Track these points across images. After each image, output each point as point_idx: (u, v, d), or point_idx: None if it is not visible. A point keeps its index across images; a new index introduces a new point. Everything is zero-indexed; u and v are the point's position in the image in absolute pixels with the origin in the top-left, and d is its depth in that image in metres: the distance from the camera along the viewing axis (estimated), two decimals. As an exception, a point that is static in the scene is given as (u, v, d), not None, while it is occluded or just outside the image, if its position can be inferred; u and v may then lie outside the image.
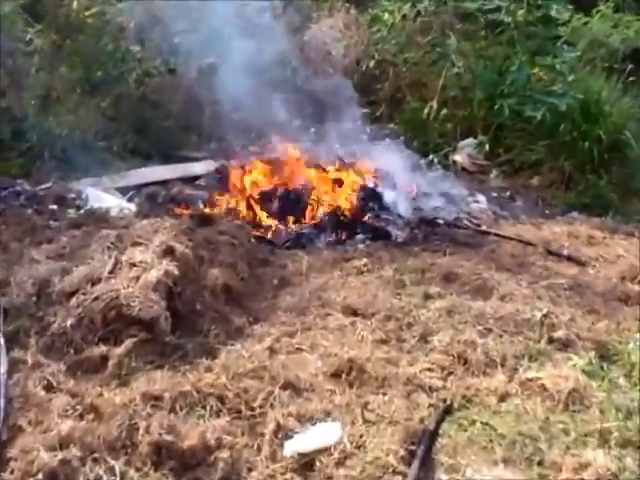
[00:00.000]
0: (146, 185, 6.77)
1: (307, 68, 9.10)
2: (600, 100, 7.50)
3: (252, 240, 5.08)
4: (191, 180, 7.12)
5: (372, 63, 9.15)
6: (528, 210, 7.12)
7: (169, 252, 3.96)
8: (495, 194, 7.47)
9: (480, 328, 3.98)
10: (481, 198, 6.79)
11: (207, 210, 5.61)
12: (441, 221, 5.86)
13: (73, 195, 6.02)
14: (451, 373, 3.70)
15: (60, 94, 6.85)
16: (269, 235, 5.57)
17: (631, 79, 8.05)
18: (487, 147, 7.91)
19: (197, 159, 7.56)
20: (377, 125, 8.93)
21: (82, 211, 5.66)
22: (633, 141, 7.13)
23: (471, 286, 4.46)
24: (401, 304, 4.26)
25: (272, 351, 3.85)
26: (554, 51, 8.75)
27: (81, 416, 3.19)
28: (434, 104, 8.26)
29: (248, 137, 8.32)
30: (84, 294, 3.69)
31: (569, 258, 4.99)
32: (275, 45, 9.07)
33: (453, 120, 8.38)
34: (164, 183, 6.89)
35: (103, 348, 3.57)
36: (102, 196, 6.17)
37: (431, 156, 7.83)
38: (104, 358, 3.53)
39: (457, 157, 7.98)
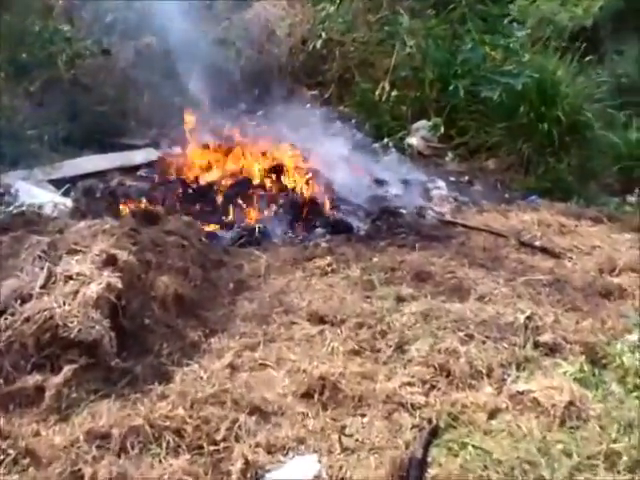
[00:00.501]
0: (82, 177, 6.17)
1: (251, 48, 8.57)
2: (556, 80, 7.20)
3: (203, 239, 4.57)
4: (132, 170, 6.56)
5: (319, 43, 8.66)
6: (488, 195, 6.81)
7: (111, 261, 3.43)
8: (453, 178, 7.13)
9: (461, 334, 3.61)
10: (441, 184, 6.43)
11: (151, 206, 5.05)
12: (404, 211, 5.47)
13: (1, 190, 5.39)
14: (433, 387, 3.31)
15: (-18, 78, 6.17)
16: (220, 231, 5.07)
17: (586, 59, 7.79)
18: (442, 129, 7.56)
19: (137, 147, 6.96)
20: (326, 107, 8.47)
21: (11, 208, 5.06)
22: (593, 122, 6.86)
23: (446, 286, 4.08)
24: (372, 309, 3.85)
25: (233, 369, 3.39)
26: (505, 30, 8.47)
27: (14, 462, 2.68)
28: (386, 85, 7.85)
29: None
30: (12, 314, 3.15)
31: (543, 249, 4.67)
32: (217, 23, 8.53)
33: (405, 102, 7.99)
34: (102, 174, 6.31)
35: (38, 377, 3.03)
36: (34, 191, 5.56)
37: (386, 140, 7.43)
38: (40, 389, 3.00)
39: (412, 140, 7.60)
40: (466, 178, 7.12)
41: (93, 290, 3.20)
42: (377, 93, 7.70)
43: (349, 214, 5.41)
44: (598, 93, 7.34)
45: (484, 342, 3.58)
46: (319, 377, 3.27)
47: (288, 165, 5.77)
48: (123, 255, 3.52)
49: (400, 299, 3.93)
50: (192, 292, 3.87)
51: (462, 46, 8.02)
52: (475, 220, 5.24)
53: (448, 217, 5.34)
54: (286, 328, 3.75)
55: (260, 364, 3.46)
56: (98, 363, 3.14)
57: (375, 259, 4.52)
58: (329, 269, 4.28)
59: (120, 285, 3.31)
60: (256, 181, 5.57)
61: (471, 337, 3.60)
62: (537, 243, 4.78)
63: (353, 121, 8.10)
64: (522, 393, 3.24)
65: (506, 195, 6.91)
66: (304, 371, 3.36)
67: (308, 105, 8.43)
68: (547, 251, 4.66)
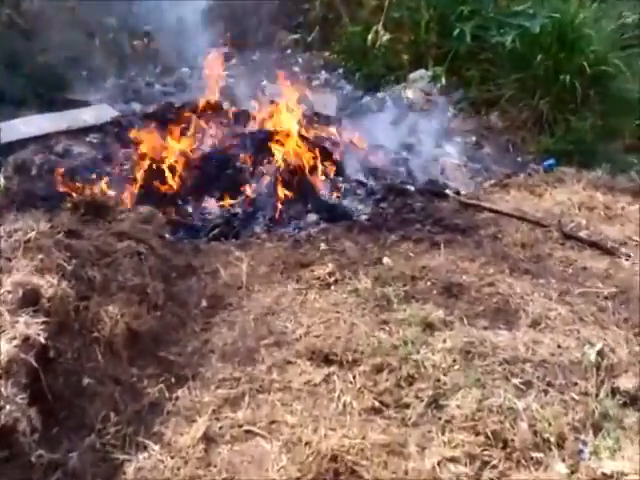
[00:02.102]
0: (20, 143, 5.00)
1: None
2: (578, 23, 6.08)
3: (166, 235, 3.50)
4: (82, 132, 5.37)
5: (299, -24, 7.41)
6: (498, 159, 5.77)
7: (31, 300, 2.36)
8: (458, 139, 6.06)
9: (516, 381, 2.64)
10: (450, 149, 5.37)
11: (99, 191, 3.93)
12: (412, 188, 4.42)
13: None
14: (486, 464, 2.37)
15: None
16: (187, 220, 4.00)
17: (609, -2, 6.66)
18: (443, 80, 6.44)
19: (88, 103, 5.75)
20: (309, 54, 7.28)
21: None
22: (621, 72, 5.80)
23: (486, 305, 3.08)
24: (392, 340, 2.85)
25: (208, 441, 2.41)
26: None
27: None
28: (379, 28, 6.66)
29: (153, 72, 6.58)
30: None
31: (592, 244, 3.68)
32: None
33: (401, 48, 6.82)
34: (44, 138, 5.14)
35: None
36: (-46, 165, 4.42)
37: (381, 94, 6.30)
38: None
39: (408, 93, 6.48)
40: (473, 139, 6.05)
41: (2, 350, 2.15)
42: (369, 38, 6.49)
43: (347, 194, 4.34)
44: (625, 39, 6.24)
45: (546, 392, 2.62)
46: (330, 457, 2.31)
47: (273, 130, 4.65)
48: (49, 288, 2.44)
49: (428, 325, 2.93)
50: (151, 322, 2.83)
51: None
52: (503, 202, 4.19)
53: (469, 198, 4.29)
54: (279, 371, 2.74)
55: (246, 431, 2.47)
56: (14, 457, 2.11)
57: (387, 260, 3.49)
58: (331, 279, 3.25)
59: (43, 338, 2.25)
60: (232, 151, 4.44)
61: (529, 385, 2.63)
62: (584, 235, 3.79)
63: (340, 70, 6.96)
64: (610, 477, 2.31)
65: (518, 159, 5.88)
66: (307, 444, 2.40)
67: (288, 51, 7.26)
68: (597, 246, 3.67)
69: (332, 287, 3.23)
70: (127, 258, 3.02)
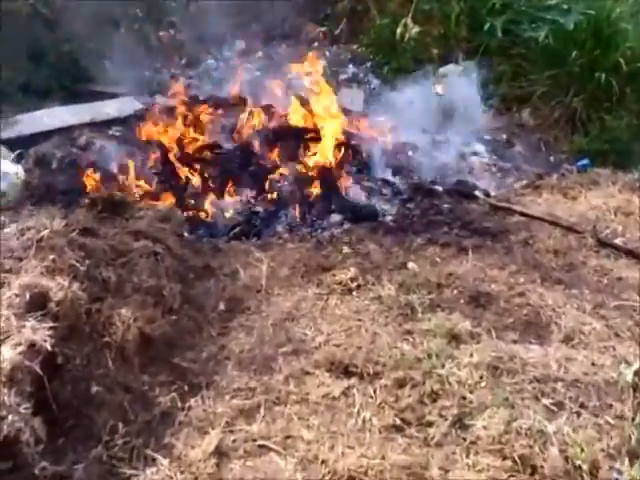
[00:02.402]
0: (44, 134, 4.93)
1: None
2: (615, 18, 5.84)
3: (185, 234, 3.38)
4: (105, 125, 5.29)
5: (327, -32, 7.23)
6: (530, 158, 5.58)
7: (39, 303, 2.26)
8: (488, 137, 5.87)
9: (546, 402, 2.48)
10: (479, 147, 5.19)
11: (118, 188, 3.82)
12: (440, 188, 4.25)
13: None
14: (513, 491, 2.22)
15: None
16: (207, 218, 3.88)
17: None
18: (474, 76, 6.22)
19: (112, 95, 5.66)
20: (336, 47, 7.11)
21: None
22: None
23: (516, 316, 2.91)
24: (416, 352, 2.70)
25: (220, 456, 2.28)
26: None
27: None
28: (409, 21, 6.45)
29: (178, 64, 6.46)
30: None
31: (629, 252, 3.48)
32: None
33: (430, 41, 6.62)
34: (67, 130, 5.06)
35: None
36: (-24, 157, 4.35)
37: (409, 88, 6.10)
38: None
39: (438, 88, 6.28)
40: (504, 137, 5.86)
41: (5, 357, 2.04)
42: (398, 31, 6.30)
43: (372, 192, 4.19)
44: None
45: (579, 414, 2.45)
46: (347, 477, 2.18)
47: (294, 125, 4.50)
48: (59, 290, 2.33)
49: (454, 337, 2.77)
50: (165, 326, 2.71)
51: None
52: (535, 205, 4.01)
53: (499, 200, 4.11)
54: (296, 382, 2.61)
55: (260, 446, 2.35)
56: (17, 469, 2.01)
57: (412, 265, 3.34)
58: (353, 285, 3.10)
59: (50, 345, 2.14)
60: (255, 147, 4.31)
61: (561, 406, 2.47)
62: (620, 242, 3.59)
63: (368, 64, 6.78)
64: (647, 511, 2.15)
65: (551, 158, 5.68)
66: (324, 462, 2.27)
67: (315, 44, 7.09)
68: (634, 254, 3.47)
69: (354, 293, 3.08)
70: (143, 258, 2.91)
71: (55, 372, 2.21)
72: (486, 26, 6.08)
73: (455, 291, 3.08)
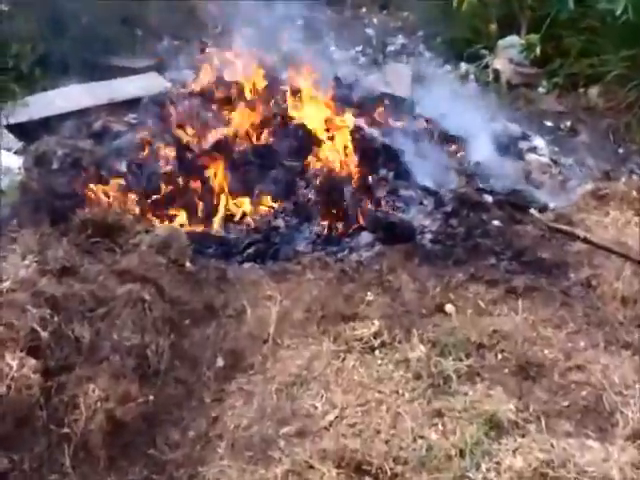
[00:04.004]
0: (58, 117, 4.46)
1: None
2: None
3: (187, 264, 2.86)
4: (126, 105, 4.78)
5: None
6: (597, 150, 4.86)
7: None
8: (550, 123, 5.14)
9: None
10: (539, 142, 4.48)
11: (118, 201, 3.31)
12: (490, 199, 3.63)
13: None
14: None
15: None
16: (220, 230, 3.37)
17: None
18: (538, 50, 5.45)
19: (135, 71, 5.13)
20: (385, 13, 6.38)
21: None
22: None
23: (572, 399, 2.33)
24: (446, 445, 2.16)
25: None
26: None
27: None
28: (467, -13, 5.67)
29: (211, 34, 5.85)
30: None
31: None
32: None
33: (489, 10, 5.83)
34: (83, 113, 4.57)
35: None
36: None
37: (463, 65, 5.40)
38: None
39: (498, 64, 5.54)
40: (568, 124, 5.12)
41: None
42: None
43: (410, 203, 3.59)
44: None
45: None
46: None
47: (323, 121, 3.90)
48: (5, 376, 1.86)
49: (494, 425, 2.22)
50: (143, 405, 2.22)
51: None
52: (601, 228, 3.34)
53: (558, 217, 3.45)
54: (297, 478, 2.12)
55: None
56: None
57: (450, 309, 2.77)
58: (376, 342, 2.56)
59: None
60: (278, 146, 3.73)
61: None
62: None
63: (419, 34, 6.05)
64: None
65: (620, 150, 4.95)
66: None
67: (363, 10, 6.37)
68: None
69: (377, 352, 2.54)
70: (127, 308, 2.42)
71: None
72: (557, -4, 5.25)
73: (499, 356, 2.50)
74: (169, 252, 2.82)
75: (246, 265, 3.16)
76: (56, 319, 2.23)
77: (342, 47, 5.60)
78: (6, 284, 2.22)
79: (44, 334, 2.12)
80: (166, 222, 3.24)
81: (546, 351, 2.51)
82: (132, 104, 4.73)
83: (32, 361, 2.00)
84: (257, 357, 2.58)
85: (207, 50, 5.43)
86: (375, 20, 6.17)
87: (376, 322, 2.61)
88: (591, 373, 2.41)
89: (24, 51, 4.64)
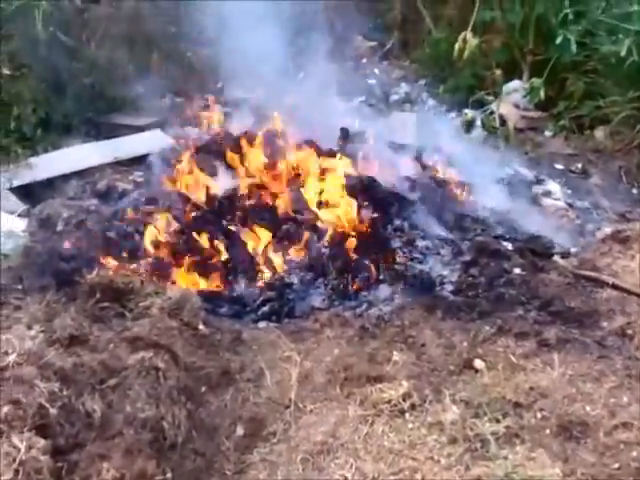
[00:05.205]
0: (63, 178, 4.39)
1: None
2: None
3: (201, 327, 2.73)
4: (131, 163, 4.72)
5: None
6: (610, 191, 4.80)
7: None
8: (560, 166, 5.08)
9: None
10: (553, 186, 4.41)
11: (128, 261, 3.20)
12: (509, 246, 3.51)
13: None
14: None
15: None
16: (232, 289, 3.24)
17: None
18: (542, 94, 5.42)
19: (138, 128, 5.08)
20: (387, 63, 6.38)
21: None
22: None
23: (623, 461, 2.14)
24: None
25: None
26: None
27: None
28: (468, 35, 5.67)
29: (212, 88, 5.84)
30: None
31: None
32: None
33: (491, 56, 5.84)
34: (88, 172, 4.51)
35: None
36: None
37: (469, 112, 5.36)
38: None
39: (503, 109, 5.51)
40: (578, 165, 5.06)
41: None
42: (456, 47, 5.52)
43: (427, 253, 3.48)
44: None
45: None
46: None
47: (335, 170, 3.82)
48: (12, 460, 1.71)
49: (541, 495, 2.06)
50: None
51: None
52: (628, 273, 3.22)
53: (582, 263, 3.34)
54: None
55: None
56: None
57: (480, 365, 2.63)
58: (406, 404, 2.41)
59: None
60: (288, 200, 3.64)
61: None
62: None
63: (422, 82, 6.04)
64: None
65: (634, 190, 4.88)
66: None
67: (364, 60, 6.38)
68: None
69: (407, 415, 2.38)
70: (140, 378, 2.27)
71: None
72: (558, 39, 5.24)
73: (539, 415, 2.34)
74: (181, 314, 2.69)
75: (261, 324, 3.04)
76: (65, 393, 2.08)
77: (345, 97, 5.57)
78: (12, 357, 2.08)
79: (53, 410, 1.97)
80: (176, 283, 3.11)
81: (588, 408, 2.36)
82: (136, 161, 4.68)
83: (41, 441, 1.85)
84: (279, 424, 2.42)
85: (209, 105, 5.41)
86: (376, 70, 6.16)
87: (404, 382, 2.46)
88: (639, 431, 2.25)
89: (26, 113, 4.60)
